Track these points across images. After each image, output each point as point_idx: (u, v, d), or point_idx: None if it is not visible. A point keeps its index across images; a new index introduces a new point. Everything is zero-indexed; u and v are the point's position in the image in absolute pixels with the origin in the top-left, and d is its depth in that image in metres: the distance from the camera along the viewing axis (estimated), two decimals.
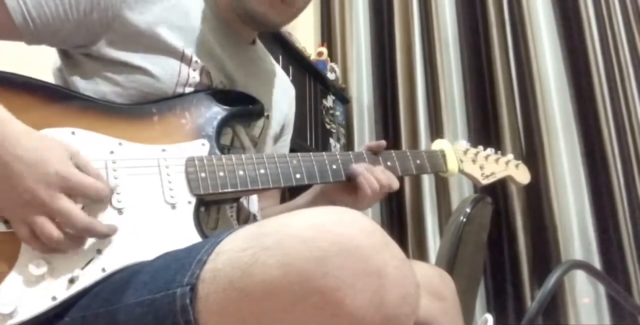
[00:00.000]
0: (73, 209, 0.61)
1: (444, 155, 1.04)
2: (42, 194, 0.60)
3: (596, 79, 2.18)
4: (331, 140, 2.57)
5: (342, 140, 2.71)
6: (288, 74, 2.17)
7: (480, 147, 1.12)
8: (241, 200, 0.92)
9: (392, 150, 0.97)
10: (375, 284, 0.48)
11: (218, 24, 0.92)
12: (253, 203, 0.96)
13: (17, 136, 0.61)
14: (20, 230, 0.61)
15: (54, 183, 0.60)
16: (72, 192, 0.62)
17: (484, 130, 2.38)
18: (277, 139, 1.08)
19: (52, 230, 0.60)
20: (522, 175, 1.16)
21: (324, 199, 0.96)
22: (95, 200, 0.65)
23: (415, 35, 2.64)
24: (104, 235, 0.64)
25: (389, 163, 0.95)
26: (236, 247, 0.53)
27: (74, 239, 0.62)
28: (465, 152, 1.08)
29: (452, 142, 1.09)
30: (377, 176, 0.89)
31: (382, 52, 2.78)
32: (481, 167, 1.09)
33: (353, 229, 0.50)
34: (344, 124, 2.75)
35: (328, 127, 2.56)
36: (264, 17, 0.88)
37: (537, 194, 2.18)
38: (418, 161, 0.99)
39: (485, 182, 1.09)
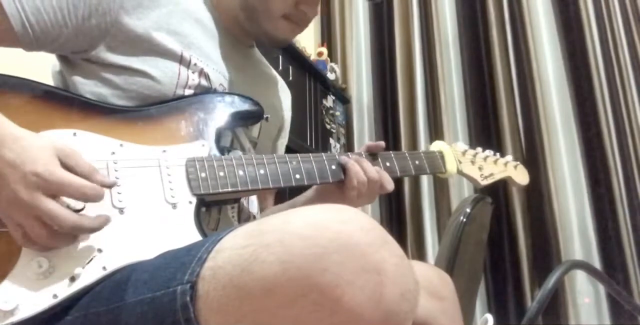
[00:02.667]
0: (56, 208, 0.60)
1: (442, 156, 1.04)
2: (24, 196, 0.59)
3: (596, 79, 2.18)
4: (331, 140, 2.57)
5: (342, 140, 2.71)
6: (288, 74, 2.18)
7: (479, 149, 1.12)
8: (242, 200, 0.92)
9: (391, 151, 0.98)
10: (374, 281, 0.48)
11: (218, 29, 0.93)
12: (253, 204, 0.96)
13: (5, 138, 0.61)
14: (13, 230, 0.61)
15: (33, 183, 0.59)
16: (53, 192, 0.61)
17: (484, 131, 2.38)
18: (274, 140, 1.09)
19: (39, 230, 0.60)
20: (520, 176, 1.17)
21: (321, 199, 0.96)
22: (82, 199, 0.63)
23: (415, 35, 2.64)
24: (94, 230, 0.63)
25: (387, 164, 0.95)
26: (236, 245, 0.53)
27: (66, 237, 0.62)
28: (463, 153, 1.08)
29: (450, 143, 1.10)
30: (363, 166, 0.89)
31: (382, 52, 2.78)
32: (480, 168, 1.09)
33: (352, 226, 0.51)
34: (343, 124, 2.76)
35: (328, 127, 2.56)
36: (284, 42, 0.95)
37: (538, 194, 2.18)
38: (417, 162, 0.99)
39: (484, 183, 1.09)
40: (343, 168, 0.89)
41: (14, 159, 0.60)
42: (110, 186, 0.67)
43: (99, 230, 0.63)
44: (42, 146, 0.62)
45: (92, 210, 0.66)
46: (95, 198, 0.63)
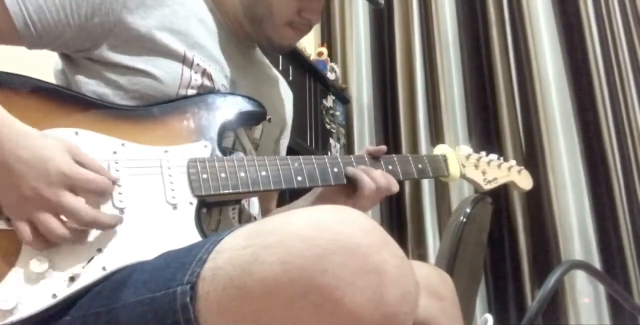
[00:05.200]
0: (79, 204, 0.62)
1: (445, 160, 1.03)
2: (46, 192, 0.60)
3: (596, 79, 2.18)
4: (331, 141, 2.57)
5: (342, 140, 2.71)
6: (288, 74, 2.18)
7: (483, 153, 1.11)
8: (242, 202, 0.92)
9: (394, 155, 0.97)
10: (375, 282, 0.48)
11: (220, 29, 0.93)
12: (254, 205, 0.96)
13: (18, 136, 0.62)
14: (21, 228, 0.61)
15: (57, 180, 0.61)
16: (76, 188, 0.63)
17: (484, 131, 2.38)
18: (276, 141, 1.09)
19: (56, 225, 0.61)
20: (524, 181, 1.16)
21: (323, 202, 0.96)
22: (99, 194, 0.65)
23: (415, 35, 2.64)
24: (111, 226, 0.65)
25: (390, 167, 0.95)
26: (237, 246, 0.53)
27: (78, 234, 0.63)
28: (467, 157, 1.07)
29: (453, 146, 1.08)
30: (372, 175, 0.89)
31: (382, 52, 2.78)
32: (483, 173, 1.08)
33: (353, 227, 0.51)
34: (344, 124, 2.76)
35: (328, 127, 2.56)
36: (287, 48, 0.97)
37: (538, 194, 2.18)
38: (420, 165, 0.98)
39: (487, 187, 1.08)
40: (351, 179, 0.89)
41: (30, 157, 0.61)
42: (115, 182, 0.69)
43: (113, 227, 0.65)
44: (54, 144, 0.64)
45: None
46: (109, 193, 0.66)
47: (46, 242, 0.62)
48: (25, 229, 0.61)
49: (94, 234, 0.65)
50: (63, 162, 0.62)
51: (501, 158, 1.14)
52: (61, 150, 0.64)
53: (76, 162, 0.64)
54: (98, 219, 0.63)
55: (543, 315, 2.00)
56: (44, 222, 0.61)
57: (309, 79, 2.46)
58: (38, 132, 0.65)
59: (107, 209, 0.67)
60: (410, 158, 0.98)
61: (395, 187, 0.91)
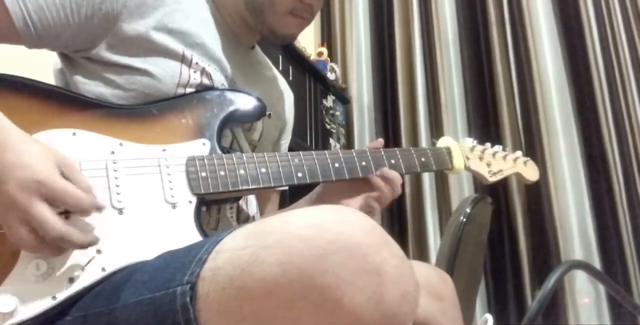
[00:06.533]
0: (48, 216, 0.58)
1: (449, 152, 1.01)
2: (21, 200, 0.58)
3: (596, 79, 2.18)
4: (331, 141, 2.57)
5: (342, 140, 2.71)
6: (288, 74, 2.18)
7: (488, 144, 1.09)
8: (240, 201, 0.92)
9: (397, 148, 0.95)
10: (375, 282, 0.48)
11: (219, 29, 0.93)
12: (252, 205, 0.96)
13: (6, 141, 0.60)
14: (7, 234, 0.60)
15: (33, 189, 0.58)
16: (51, 198, 0.59)
17: (484, 131, 2.38)
18: (275, 143, 1.08)
19: (25, 236, 0.58)
20: (530, 172, 1.13)
21: (324, 202, 0.96)
22: (76, 210, 0.62)
23: (415, 35, 2.64)
24: (80, 246, 0.61)
25: (392, 161, 0.93)
26: (236, 246, 0.53)
27: (52, 246, 0.60)
28: (471, 149, 1.05)
29: (457, 140, 1.07)
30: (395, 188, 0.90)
31: (382, 52, 2.78)
32: (488, 164, 1.06)
33: (353, 227, 0.51)
34: (344, 124, 2.76)
35: (328, 127, 2.56)
36: (291, 37, 0.96)
37: (537, 194, 2.18)
38: (423, 159, 0.97)
39: (492, 179, 1.06)
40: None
41: (14, 162, 0.59)
42: (100, 208, 0.65)
43: (84, 248, 0.62)
44: (42, 152, 0.62)
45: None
46: (88, 212, 0.62)
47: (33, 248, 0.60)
48: (10, 235, 0.60)
49: (92, 235, 0.64)
50: (42, 170, 0.59)
51: (507, 149, 1.12)
52: (46, 158, 0.61)
53: (63, 175, 0.61)
54: (66, 236, 0.59)
55: (543, 315, 2.00)
56: (16, 231, 0.59)
57: (309, 79, 2.46)
58: (29, 137, 0.63)
59: (105, 210, 0.67)
60: (413, 151, 0.97)
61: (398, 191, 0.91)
